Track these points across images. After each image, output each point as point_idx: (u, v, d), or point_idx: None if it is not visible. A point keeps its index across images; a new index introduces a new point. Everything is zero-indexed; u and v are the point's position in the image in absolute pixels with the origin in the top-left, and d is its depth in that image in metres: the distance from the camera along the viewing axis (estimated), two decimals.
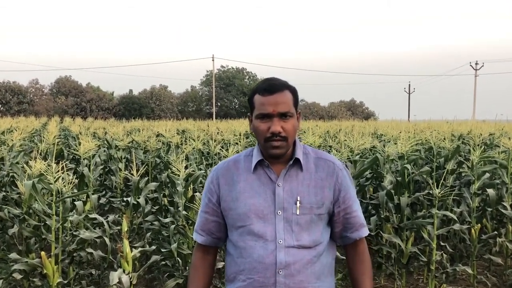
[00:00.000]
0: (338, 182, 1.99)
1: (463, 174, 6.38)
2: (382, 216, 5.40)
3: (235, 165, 2.04)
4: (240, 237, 1.96)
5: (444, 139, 7.16)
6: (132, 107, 53.88)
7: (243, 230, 1.95)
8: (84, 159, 6.52)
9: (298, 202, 1.92)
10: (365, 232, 2.06)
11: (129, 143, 9.31)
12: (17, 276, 4.20)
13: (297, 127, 1.98)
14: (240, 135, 10.04)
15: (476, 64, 55.19)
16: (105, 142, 9.77)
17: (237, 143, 8.61)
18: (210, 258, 2.13)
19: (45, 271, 4.10)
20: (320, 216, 1.96)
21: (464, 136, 10.31)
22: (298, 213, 1.92)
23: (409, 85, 64.74)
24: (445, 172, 5.77)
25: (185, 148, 7.45)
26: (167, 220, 5.07)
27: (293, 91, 1.98)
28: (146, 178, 6.23)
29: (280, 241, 1.90)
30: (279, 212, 1.92)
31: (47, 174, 4.36)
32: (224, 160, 2.13)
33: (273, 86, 1.93)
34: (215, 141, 8.94)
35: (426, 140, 8.37)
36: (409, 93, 64.12)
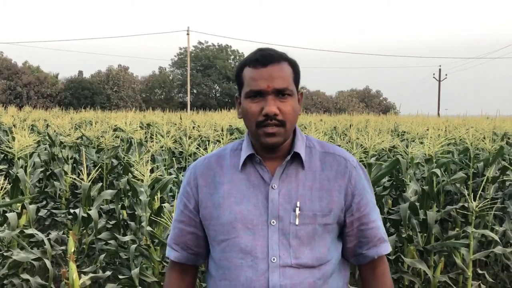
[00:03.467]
0: (351, 184, 1.98)
1: (507, 184, 6.44)
2: (404, 236, 5.43)
3: (218, 162, 2.04)
4: (223, 253, 1.95)
5: (484, 138, 7.23)
6: (82, 93, 53.57)
7: (227, 245, 1.94)
8: (19, 159, 6.47)
9: (297, 209, 1.91)
10: (386, 249, 2.05)
11: (77, 139, 9.27)
12: None
13: (298, 110, 1.98)
14: (222, 131, 10.04)
15: None
16: (47, 137, 9.71)
17: (218, 141, 8.61)
18: (188, 279, 2.13)
19: None
20: (327, 227, 1.95)
21: (509, 135, 10.41)
22: (297, 222, 1.91)
23: (440, 70, 65.14)
24: (484, 181, 5.82)
25: (150, 147, 7.43)
26: (126, 238, 5.05)
27: (293, 64, 1.98)
28: (100, 185, 6.20)
29: (274, 259, 1.89)
30: (273, 222, 1.91)
31: None
32: (204, 156, 2.12)
33: (267, 56, 1.92)
34: (189, 137, 8.93)
35: (460, 140, 8.44)
36: (439, 80, 64.53)
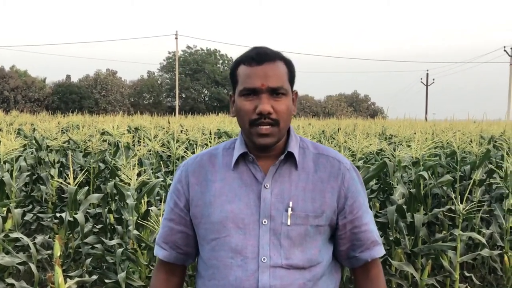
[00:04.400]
0: (345, 186, 1.98)
1: (494, 186, 6.48)
2: (391, 239, 5.44)
3: (211, 160, 2.03)
4: (213, 253, 1.94)
5: (471, 141, 7.27)
6: (70, 98, 53.41)
7: (217, 244, 1.93)
8: (4, 162, 6.42)
9: (289, 209, 1.90)
10: (379, 251, 2.04)
11: (64, 143, 9.22)
12: None
13: (293, 110, 1.97)
14: (210, 134, 10.02)
15: None
16: (34, 141, 9.65)
17: (206, 144, 8.59)
18: (175, 281, 2.11)
19: None
20: (319, 229, 1.94)
21: (496, 139, 10.47)
22: (289, 223, 1.90)
23: (427, 74, 65.52)
24: (471, 183, 5.84)
25: (138, 150, 7.40)
26: (113, 242, 5.02)
27: (288, 64, 1.97)
28: (87, 188, 6.17)
29: (264, 259, 1.88)
30: (265, 222, 1.90)
31: None
32: (196, 154, 2.10)
33: (262, 54, 1.91)
34: (177, 141, 8.90)
35: (447, 143, 8.48)
36: (427, 85, 64.87)
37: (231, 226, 1.91)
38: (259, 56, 1.90)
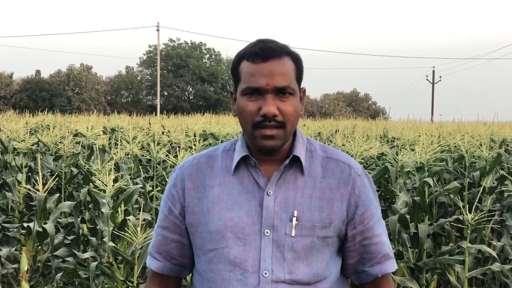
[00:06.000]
0: (355, 194, 1.97)
1: (506, 195, 6.50)
2: (393, 251, 5.44)
3: (209, 163, 2.02)
4: (210, 265, 1.94)
5: (481, 145, 7.29)
6: (40, 95, 53.20)
7: (214, 255, 1.93)
8: None
9: (294, 219, 1.90)
10: (391, 266, 2.03)
11: (33, 145, 9.18)
12: None
13: (300, 110, 1.97)
14: (195, 136, 10.02)
15: None
16: None
17: (190, 147, 8.58)
18: None
19: None
20: (326, 241, 1.94)
21: (508, 142, 10.52)
22: (293, 234, 1.90)
23: (433, 71, 65.78)
24: (481, 191, 5.86)
25: (115, 154, 7.38)
26: (86, 255, 5.01)
27: (296, 59, 1.96)
28: (57, 196, 6.15)
29: (266, 273, 1.88)
30: (267, 232, 1.90)
31: None
32: (193, 155, 2.09)
33: (268, 49, 1.90)
34: (158, 144, 8.89)
35: (455, 147, 8.51)
36: (433, 83, 65.13)
37: (230, 236, 1.90)
38: (264, 52, 1.89)
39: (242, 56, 1.93)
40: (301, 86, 1.98)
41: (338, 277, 2.00)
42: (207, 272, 1.95)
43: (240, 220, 1.91)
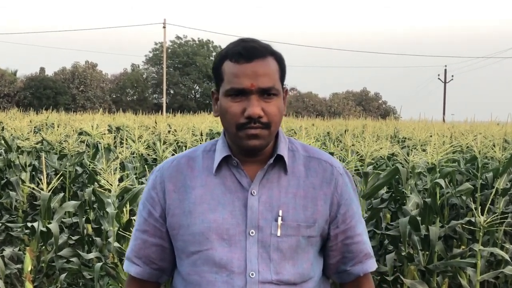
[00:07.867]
0: (338, 193, 2.00)
1: None
2: (404, 254, 5.44)
3: (189, 164, 2.02)
4: (194, 267, 1.94)
5: (494, 146, 7.27)
6: (44, 93, 53.31)
7: (199, 258, 1.93)
8: None
9: (279, 219, 1.91)
10: (372, 265, 2.07)
11: (37, 143, 9.21)
12: None
13: (283, 110, 1.98)
14: (201, 135, 10.03)
15: None
16: (2, 142, 9.64)
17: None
18: None
19: None
20: (310, 240, 1.96)
21: None
22: (279, 234, 1.91)
23: (445, 70, 65.64)
24: (493, 193, 5.84)
25: (120, 153, 7.39)
26: (91, 255, 5.02)
27: (279, 59, 1.98)
28: (62, 195, 6.16)
29: (252, 274, 1.89)
30: (252, 232, 1.91)
31: None
32: (172, 157, 2.10)
33: (251, 49, 1.91)
34: (164, 143, 8.91)
35: (467, 147, 8.49)
36: (445, 82, 64.97)
37: (215, 238, 1.91)
38: (248, 52, 1.90)
39: (225, 56, 1.94)
40: (284, 86, 2.00)
41: (321, 277, 2.03)
42: (191, 275, 1.95)
43: (224, 221, 1.91)
